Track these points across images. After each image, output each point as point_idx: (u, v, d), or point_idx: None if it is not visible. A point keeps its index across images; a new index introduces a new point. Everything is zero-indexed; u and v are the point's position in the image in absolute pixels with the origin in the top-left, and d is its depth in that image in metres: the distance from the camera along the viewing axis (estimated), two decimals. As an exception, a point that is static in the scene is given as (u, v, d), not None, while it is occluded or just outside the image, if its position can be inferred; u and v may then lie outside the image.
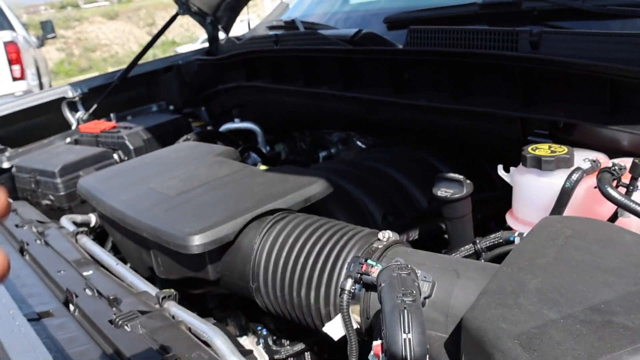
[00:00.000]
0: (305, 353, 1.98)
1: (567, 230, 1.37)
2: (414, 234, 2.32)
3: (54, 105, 3.83)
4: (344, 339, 1.54)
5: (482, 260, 1.77)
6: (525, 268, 1.24)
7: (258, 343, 2.10)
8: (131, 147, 3.27)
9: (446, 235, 2.27)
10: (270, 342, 2.04)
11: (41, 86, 10.88)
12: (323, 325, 1.61)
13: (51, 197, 3.05)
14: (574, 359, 0.97)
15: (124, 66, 4.06)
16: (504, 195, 2.42)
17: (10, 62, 9.96)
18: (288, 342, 2.03)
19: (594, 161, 1.69)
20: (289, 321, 1.83)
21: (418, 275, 1.35)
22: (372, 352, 1.13)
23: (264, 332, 2.10)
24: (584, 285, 1.15)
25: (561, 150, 1.76)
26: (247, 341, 2.25)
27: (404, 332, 0.98)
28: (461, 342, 1.15)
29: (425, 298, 1.37)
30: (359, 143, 3.50)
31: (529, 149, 1.81)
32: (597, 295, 1.12)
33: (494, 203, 2.46)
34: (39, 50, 12.20)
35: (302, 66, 3.22)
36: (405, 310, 1.00)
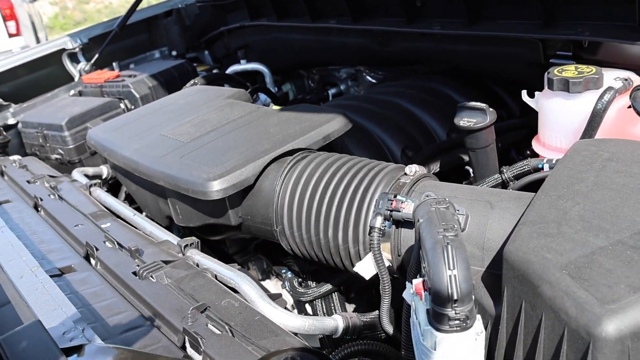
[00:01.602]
0: (333, 294, 1.95)
1: (603, 153, 1.31)
2: (435, 167, 2.26)
3: (55, 58, 3.75)
4: (374, 278, 1.51)
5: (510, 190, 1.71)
6: (564, 195, 1.19)
7: (283, 286, 2.08)
8: (137, 96, 3.20)
9: (467, 167, 2.21)
10: (296, 284, 2.00)
11: (38, 41, 10.71)
12: (353, 265, 1.57)
13: (60, 151, 3.00)
14: (628, 286, 0.93)
15: (120, 16, 3.94)
16: (524, 123, 2.37)
17: (5, 19, 9.77)
18: (314, 283, 1.99)
19: (626, 80, 1.62)
20: (314, 262, 1.79)
21: (452, 208, 1.30)
22: (411, 290, 1.09)
23: (289, 274, 2.07)
24: (629, 210, 1.10)
25: (589, 70, 1.68)
26: (270, 284, 2.23)
27: (449, 269, 0.93)
28: (503, 275, 1.10)
29: (459, 232, 1.33)
30: (368, 78, 3.42)
31: (555, 71, 1.73)
32: (645, 219, 1.06)
33: (514, 131, 2.40)
34: (32, 5, 11.96)
35: (307, 0, 3.10)
36: (449, 246, 0.95)
